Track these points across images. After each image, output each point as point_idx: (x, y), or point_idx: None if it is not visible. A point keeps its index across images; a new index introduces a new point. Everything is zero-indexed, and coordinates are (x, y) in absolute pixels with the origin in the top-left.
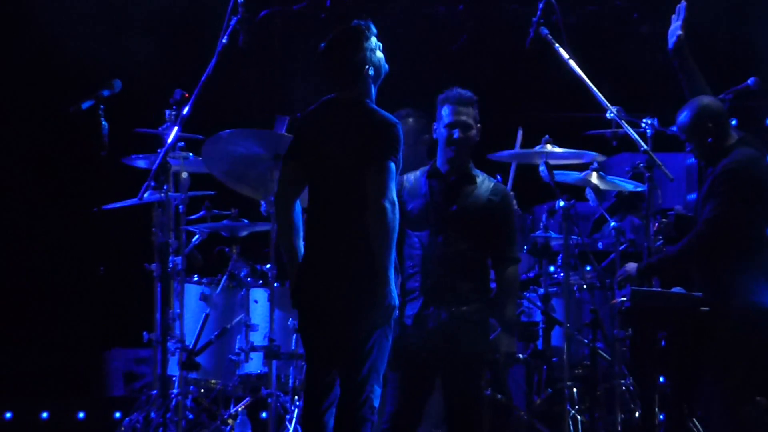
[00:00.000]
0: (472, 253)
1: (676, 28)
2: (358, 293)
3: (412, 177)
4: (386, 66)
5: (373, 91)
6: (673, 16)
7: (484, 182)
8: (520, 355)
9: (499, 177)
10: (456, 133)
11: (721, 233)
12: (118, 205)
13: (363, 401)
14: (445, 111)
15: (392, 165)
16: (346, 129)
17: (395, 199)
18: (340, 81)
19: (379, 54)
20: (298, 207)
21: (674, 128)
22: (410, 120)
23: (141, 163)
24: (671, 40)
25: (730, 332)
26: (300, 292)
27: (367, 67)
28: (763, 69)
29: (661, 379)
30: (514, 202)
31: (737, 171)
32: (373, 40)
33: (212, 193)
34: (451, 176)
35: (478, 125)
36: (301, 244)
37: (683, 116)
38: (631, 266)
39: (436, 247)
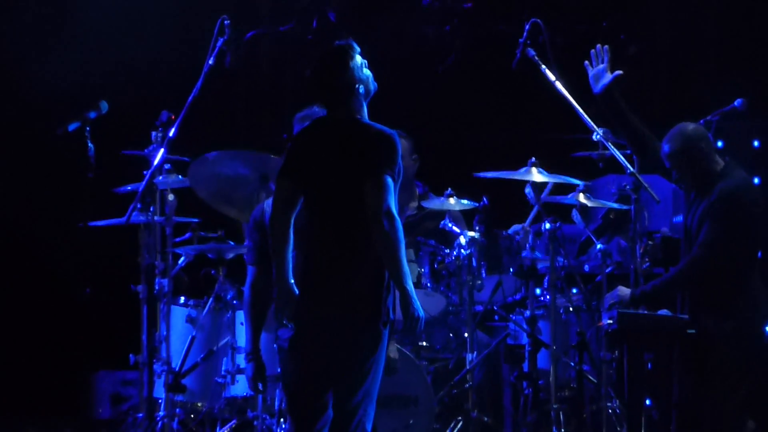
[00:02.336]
0: None
1: (601, 71)
2: (360, 313)
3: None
4: (375, 83)
5: (365, 107)
6: (585, 62)
7: None
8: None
9: (485, 199)
10: None
11: (717, 257)
12: (103, 223)
13: (355, 426)
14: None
15: (389, 178)
16: (342, 144)
17: (394, 212)
18: (331, 102)
19: (367, 71)
20: (292, 226)
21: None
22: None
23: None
24: (598, 84)
25: (728, 355)
26: (300, 311)
27: (357, 85)
28: (750, 90)
29: (648, 402)
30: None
31: (736, 195)
32: (358, 58)
33: (197, 220)
34: None
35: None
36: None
37: (673, 144)
38: (624, 291)
39: None
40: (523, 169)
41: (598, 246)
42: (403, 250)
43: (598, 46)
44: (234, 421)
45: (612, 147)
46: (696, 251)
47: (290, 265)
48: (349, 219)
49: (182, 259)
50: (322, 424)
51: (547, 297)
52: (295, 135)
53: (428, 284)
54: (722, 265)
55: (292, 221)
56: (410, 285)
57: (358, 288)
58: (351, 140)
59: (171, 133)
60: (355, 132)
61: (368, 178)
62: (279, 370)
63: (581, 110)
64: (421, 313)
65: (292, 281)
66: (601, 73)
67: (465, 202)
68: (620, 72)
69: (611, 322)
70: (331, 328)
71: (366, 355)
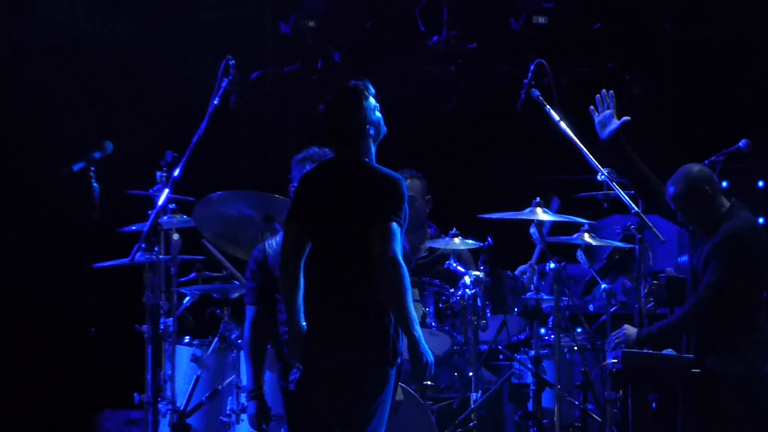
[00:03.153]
0: None
1: (608, 117)
2: (367, 355)
3: (274, 243)
4: (384, 127)
5: (373, 150)
6: (591, 108)
7: None
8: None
9: (490, 239)
10: None
11: (723, 298)
12: (108, 264)
13: None
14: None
15: (395, 225)
16: (349, 189)
17: (400, 259)
18: (341, 141)
19: (378, 114)
20: (302, 270)
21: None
22: (411, 180)
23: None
24: (605, 130)
25: (734, 396)
26: (307, 353)
27: (367, 127)
28: (755, 130)
29: None
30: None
31: (741, 237)
32: (372, 100)
33: (202, 257)
34: None
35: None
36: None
37: (678, 186)
38: (630, 331)
39: None
40: (527, 210)
41: (603, 286)
42: (410, 296)
43: (603, 91)
44: None
45: (617, 187)
46: (702, 292)
47: (302, 310)
48: (356, 263)
49: (187, 298)
50: None
51: (552, 337)
52: (302, 177)
53: (433, 324)
54: (728, 305)
55: (302, 265)
56: (418, 331)
57: (366, 331)
58: (358, 184)
59: (176, 173)
60: (363, 176)
61: (374, 224)
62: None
63: (586, 150)
64: (431, 358)
65: (304, 324)
66: (608, 119)
67: (470, 242)
68: (628, 118)
69: (616, 361)
70: (338, 370)
71: (373, 396)
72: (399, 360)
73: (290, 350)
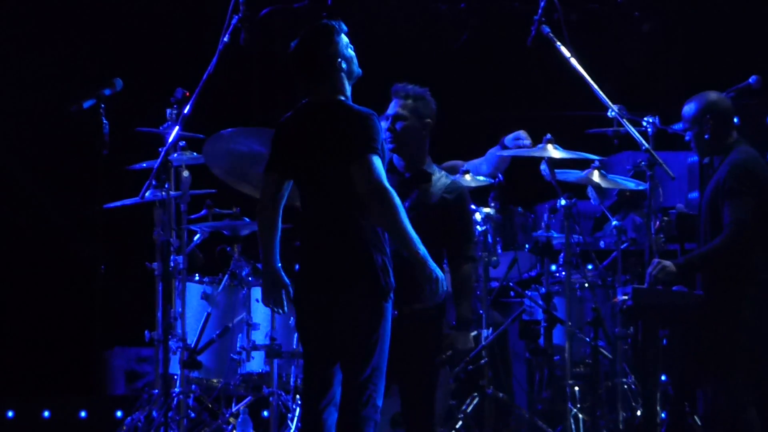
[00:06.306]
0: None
1: None
2: (357, 291)
3: None
4: (359, 68)
5: (348, 88)
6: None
7: (441, 179)
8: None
9: (500, 176)
10: (387, 125)
11: (750, 230)
12: (119, 204)
13: (366, 400)
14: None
15: (374, 156)
16: (324, 131)
17: (386, 185)
18: (313, 77)
19: (351, 51)
20: (280, 215)
21: (676, 126)
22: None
23: (143, 164)
24: None
25: (741, 333)
26: (299, 293)
27: (339, 60)
28: (765, 67)
29: (663, 378)
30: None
31: (745, 167)
32: (344, 38)
33: (213, 191)
34: (406, 173)
35: (426, 120)
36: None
37: (689, 107)
38: (667, 263)
39: (389, 245)
40: (538, 146)
41: (614, 222)
42: (405, 218)
43: None
44: (249, 398)
45: (627, 124)
46: (732, 227)
47: (277, 251)
48: (338, 202)
49: (197, 235)
50: (327, 400)
51: (563, 273)
52: (279, 125)
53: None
54: (755, 236)
55: (281, 209)
56: (422, 249)
57: (355, 266)
58: (332, 124)
59: (186, 110)
60: (336, 115)
61: (353, 160)
62: (295, 346)
63: (596, 87)
64: (440, 273)
65: (279, 265)
66: None
67: (481, 178)
68: None
69: (626, 298)
70: (332, 305)
71: (369, 330)
72: (392, 295)
73: (265, 292)
